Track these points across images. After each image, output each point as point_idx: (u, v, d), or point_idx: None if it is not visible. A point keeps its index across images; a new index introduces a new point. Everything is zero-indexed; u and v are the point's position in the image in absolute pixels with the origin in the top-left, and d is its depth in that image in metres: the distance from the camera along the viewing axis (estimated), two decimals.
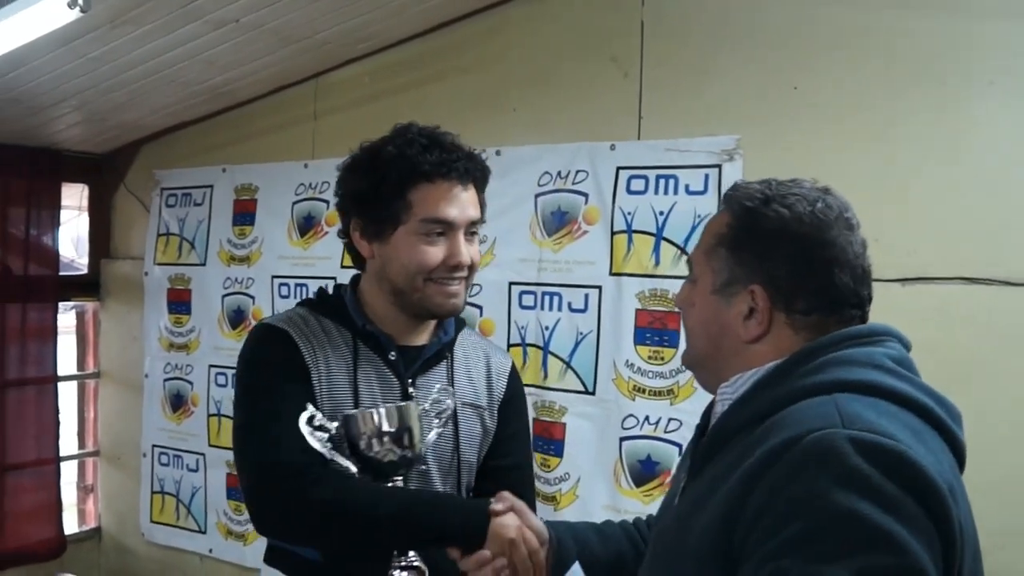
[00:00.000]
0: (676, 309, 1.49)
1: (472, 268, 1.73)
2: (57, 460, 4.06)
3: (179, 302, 3.93)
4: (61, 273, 4.07)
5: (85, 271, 4.30)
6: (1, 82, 3.08)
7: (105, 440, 4.31)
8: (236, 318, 3.74)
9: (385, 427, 1.59)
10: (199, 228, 3.86)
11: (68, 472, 4.23)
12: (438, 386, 1.74)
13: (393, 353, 1.75)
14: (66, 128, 3.76)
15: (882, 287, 2.45)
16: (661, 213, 2.79)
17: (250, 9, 2.77)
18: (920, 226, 2.49)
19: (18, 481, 3.92)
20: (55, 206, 3.98)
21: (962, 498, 1.17)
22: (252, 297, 3.68)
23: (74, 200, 4.22)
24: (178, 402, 3.95)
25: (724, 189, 2.65)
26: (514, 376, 1.92)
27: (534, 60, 3.08)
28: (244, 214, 3.72)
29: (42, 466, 4.00)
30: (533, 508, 1.74)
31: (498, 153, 3.12)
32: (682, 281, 1.44)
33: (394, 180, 1.68)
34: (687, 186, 2.77)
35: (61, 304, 4.10)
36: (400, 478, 1.64)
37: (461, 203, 1.69)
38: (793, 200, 1.29)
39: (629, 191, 2.85)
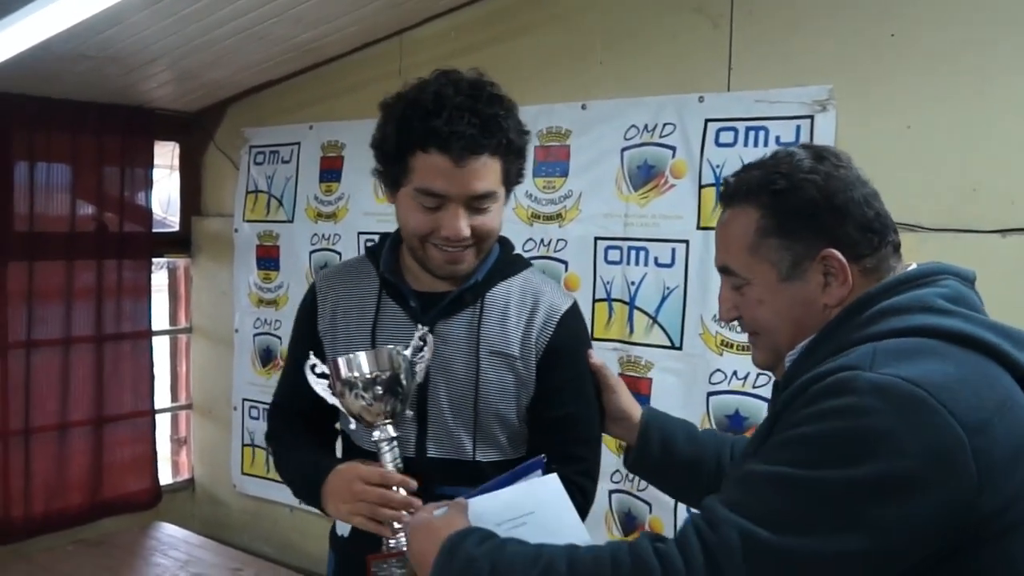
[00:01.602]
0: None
1: (480, 237, 1.65)
2: (152, 413, 4.20)
3: (268, 258, 4.01)
4: (154, 230, 4.18)
5: (177, 228, 4.41)
6: (98, 40, 3.15)
7: (197, 394, 4.44)
8: None
9: (352, 373, 1.60)
10: (287, 185, 3.92)
11: (162, 425, 4.37)
12: (418, 331, 1.68)
13: (413, 300, 1.73)
14: (158, 87, 3.83)
15: (980, 238, 2.43)
16: None
17: None
18: (1020, 176, 2.40)
19: (115, 433, 4.07)
20: (148, 164, 4.08)
21: None
22: (339, 253, 3.74)
23: (165, 159, 4.32)
24: (268, 356, 4.04)
25: (816, 140, 2.62)
26: (564, 324, 1.74)
27: (621, 12, 3.04)
28: (331, 171, 3.77)
29: (138, 418, 4.15)
30: (580, 460, 1.72)
31: (584, 107, 3.11)
32: None
33: (394, 143, 1.64)
34: (778, 137, 2.71)
35: (154, 261, 4.21)
36: (387, 425, 1.62)
37: (460, 176, 1.58)
38: (800, 166, 1.32)
39: (718, 144, 2.81)
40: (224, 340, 4.23)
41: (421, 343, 1.68)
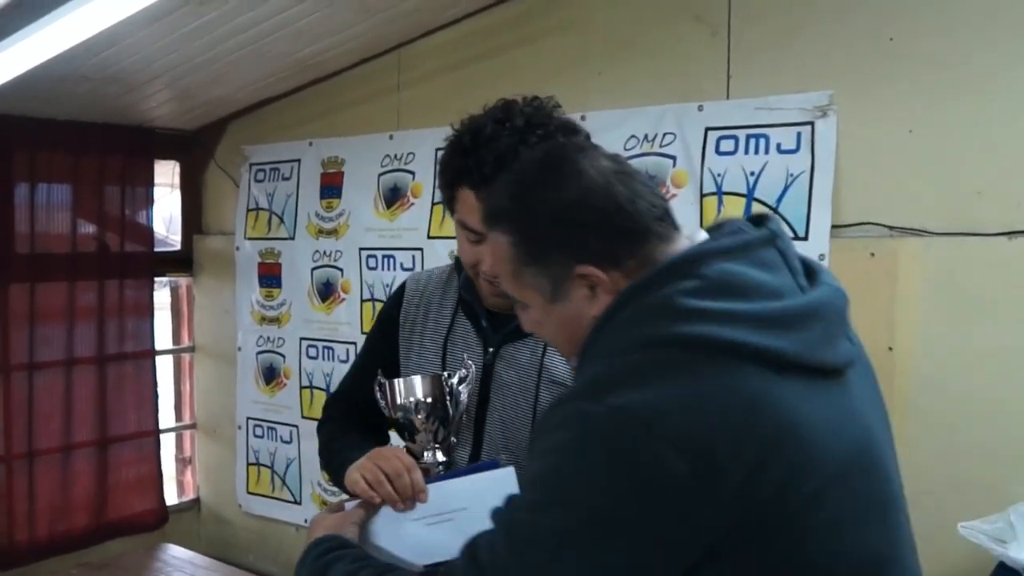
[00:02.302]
0: None
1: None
2: (157, 432, 4.18)
3: (269, 276, 4.00)
4: (156, 249, 4.17)
5: (178, 247, 4.40)
6: (98, 60, 3.15)
7: (201, 413, 4.42)
8: (325, 291, 3.79)
9: (404, 397, 1.64)
10: (287, 202, 3.92)
11: (167, 444, 4.35)
12: (464, 360, 1.70)
13: (484, 319, 1.74)
14: (158, 106, 3.84)
15: (985, 242, 2.42)
16: (752, 173, 2.74)
17: None
18: None
19: (120, 453, 4.05)
20: (148, 183, 4.07)
21: (794, 444, 1.09)
22: (340, 269, 3.73)
23: (166, 177, 4.32)
24: (271, 375, 4.02)
25: (817, 146, 2.62)
26: None
27: (619, 22, 3.04)
28: (331, 187, 3.77)
29: (142, 438, 4.13)
30: None
31: (583, 118, 3.08)
32: None
33: (445, 177, 1.66)
34: (779, 145, 2.71)
35: (156, 280, 4.20)
36: (436, 449, 1.65)
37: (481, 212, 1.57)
38: (533, 180, 1.26)
39: (718, 152, 2.80)
40: (227, 358, 4.22)
41: (466, 372, 1.68)
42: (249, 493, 4.16)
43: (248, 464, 4.15)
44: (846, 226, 2.62)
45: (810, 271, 1.25)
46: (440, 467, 1.65)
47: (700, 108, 2.84)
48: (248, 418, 4.12)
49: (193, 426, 4.45)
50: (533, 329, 1.34)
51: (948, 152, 2.49)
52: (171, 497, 4.38)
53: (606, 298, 1.21)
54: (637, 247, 1.21)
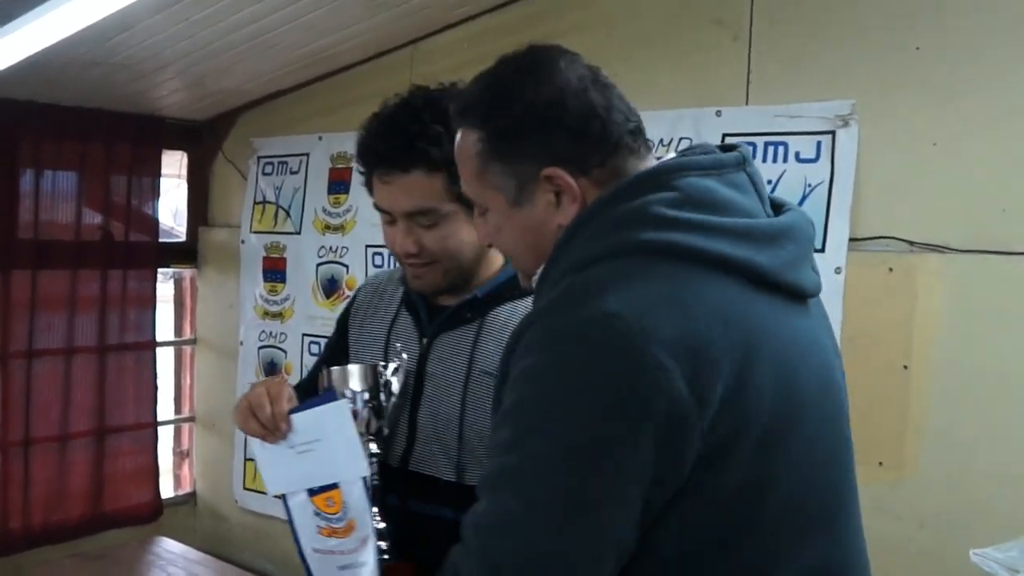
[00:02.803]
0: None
1: (434, 254, 1.62)
2: (155, 425, 4.14)
3: (274, 270, 3.95)
4: (161, 240, 4.13)
5: (183, 238, 4.36)
6: (108, 45, 3.11)
7: (201, 406, 4.38)
8: (330, 287, 3.74)
9: (337, 385, 1.62)
10: (295, 196, 3.87)
11: (164, 437, 4.30)
12: (398, 346, 1.71)
13: (423, 311, 1.74)
14: (168, 95, 3.79)
15: (1010, 260, 2.35)
16: (769, 182, 2.67)
17: None
18: None
19: (117, 445, 4.01)
20: (155, 173, 4.03)
21: (767, 360, 1.08)
22: (346, 266, 3.68)
23: (173, 168, 4.27)
24: (272, 370, 3.97)
25: (838, 156, 2.56)
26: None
27: (638, 23, 2.98)
28: (339, 183, 3.71)
29: (140, 430, 4.08)
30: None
31: None
32: None
33: (360, 163, 1.69)
34: (797, 153, 2.65)
35: (160, 271, 4.16)
36: (369, 441, 1.63)
37: (390, 193, 1.60)
38: (512, 80, 1.22)
39: None
40: (229, 352, 4.17)
41: (398, 363, 1.67)
42: (246, 489, 4.11)
43: (246, 459, 4.10)
44: (865, 239, 2.56)
45: (775, 204, 1.25)
46: (374, 458, 1.63)
47: (718, 113, 2.78)
48: None
49: (192, 419, 4.40)
50: (491, 237, 1.30)
51: (973, 167, 2.42)
52: (167, 490, 4.33)
53: (572, 207, 1.19)
54: (607, 157, 1.19)
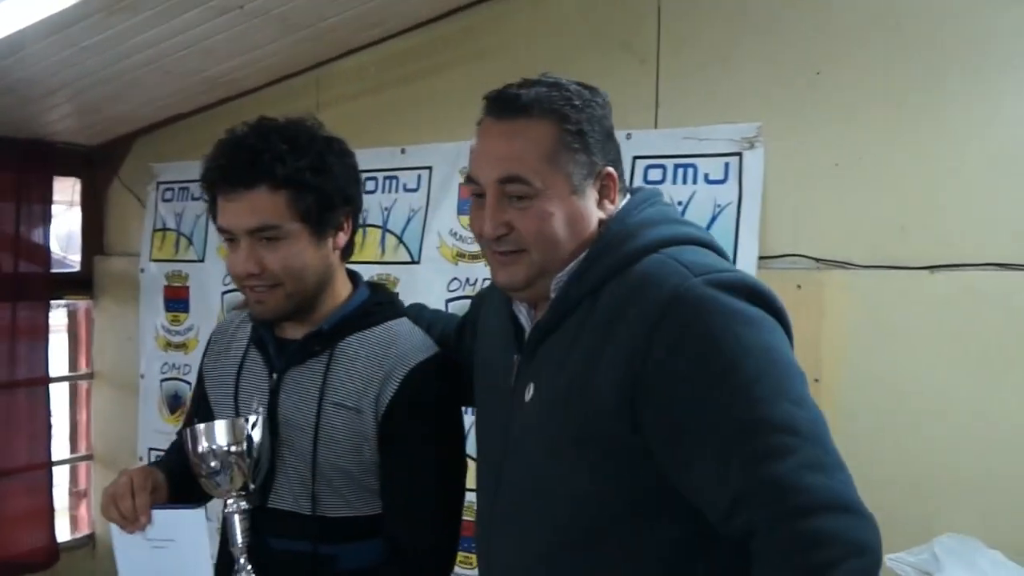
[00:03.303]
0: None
1: (276, 275, 1.61)
2: (49, 464, 3.96)
3: (177, 299, 3.83)
4: (52, 270, 3.97)
5: (77, 268, 4.19)
6: None
7: (99, 443, 4.21)
8: None
9: (202, 444, 1.60)
10: (197, 223, 3.77)
11: (60, 477, 4.12)
12: (254, 406, 1.68)
13: (271, 347, 1.73)
14: (58, 119, 3.66)
15: (910, 275, 2.44)
16: (680, 203, 2.72)
17: None
18: (948, 213, 2.43)
19: (8, 487, 3.82)
20: (46, 200, 3.88)
21: None
22: None
23: (65, 195, 4.11)
24: (176, 403, 3.85)
25: (745, 177, 2.62)
26: (411, 378, 1.65)
27: (546, 47, 3.00)
28: None
29: (33, 471, 3.90)
30: (399, 552, 1.66)
31: None
32: None
33: (205, 188, 1.68)
34: (706, 175, 2.70)
35: (52, 303, 4.00)
36: (240, 499, 1.63)
37: (233, 210, 1.60)
38: (581, 92, 1.42)
39: (647, 181, 2.77)
40: (129, 386, 4.02)
41: (255, 417, 1.64)
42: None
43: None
44: (773, 257, 2.62)
45: None
46: (245, 514, 1.62)
47: (628, 136, 2.81)
48: (150, 448, 3.92)
49: (89, 457, 4.23)
50: (539, 223, 1.37)
51: (873, 186, 2.51)
52: (63, 533, 4.14)
53: (611, 207, 1.42)
54: (620, 169, 1.46)
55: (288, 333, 1.73)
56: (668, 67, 2.78)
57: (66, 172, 4.04)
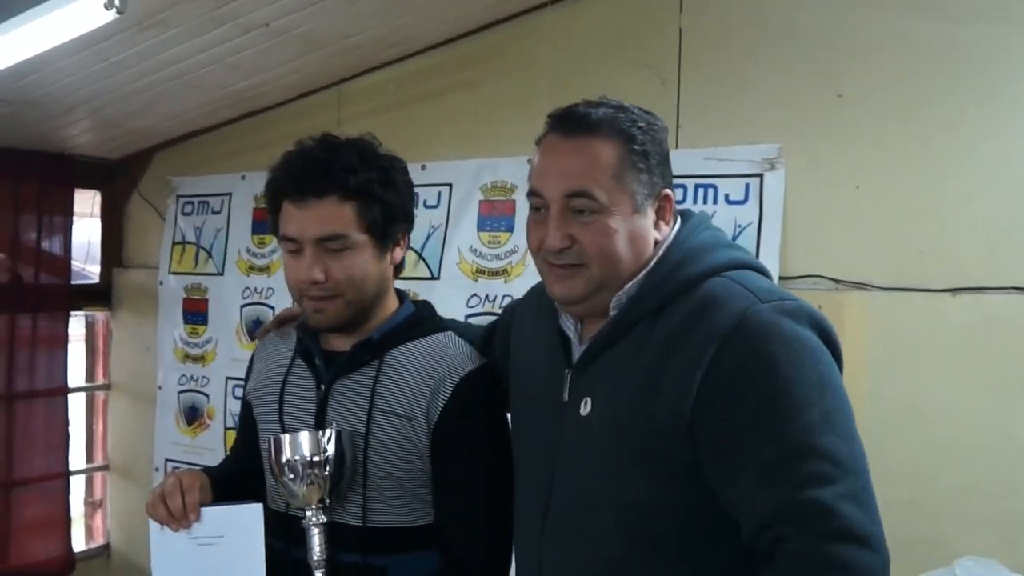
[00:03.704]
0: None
1: (339, 284, 1.64)
2: (67, 474, 3.98)
3: (195, 312, 3.86)
4: (72, 282, 3.99)
5: (97, 280, 4.22)
6: (21, 85, 3.01)
7: (115, 454, 4.23)
8: (254, 329, 3.67)
9: (290, 455, 1.63)
10: (217, 236, 3.80)
11: (75, 487, 4.14)
12: (332, 425, 1.69)
13: (318, 358, 1.74)
14: (80, 133, 3.69)
15: (931, 297, 2.45)
16: None
17: (282, 13, 2.72)
18: (968, 235, 2.45)
19: (25, 496, 3.84)
20: (67, 213, 3.91)
21: None
22: (272, 307, 3.61)
23: (86, 207, 4.14)
24: (193, 415, 3.87)
25: (766, 198, 2.64)
26: (461, 389, 1.68)
27: (567, 67, 3.03)
28: (264, 222, 3.64)
29: (51, 481, 3.92)
30: (457, 561, 1.68)
31: (529, 162, 3.05)
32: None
33: (268, 198, 1.72)
34: (727, 195, 2.72)
35: (72, 314, 4.02)
36: (319, 510, 1.64)
37: (303, 218, 1.63)
38: (645, 115, 1.47)
39: None
40: (146, 397, 4.04)
41: (331, 433, 1.66)
42: None
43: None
44: (793, 278, 2.64)
45: None
46: (323, 527, 1.63)
47: None
48: (167, 460, 3.95)
49: (106, 468, 4.25)
50: (603, 239, 1.41)
51: (893, 208, 2.53)
52: (79, 543, 4.16)
53: (666, 229, 1.47)
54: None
55: (335, 345, 1.75)
56: (689, 88, 2.81)
57: (86, 185, 4.07)
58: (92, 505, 4.31)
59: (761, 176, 2.67)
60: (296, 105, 3.57)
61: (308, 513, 1.63)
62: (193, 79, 3.18)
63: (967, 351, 2.43)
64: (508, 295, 3.07)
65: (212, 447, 3.78)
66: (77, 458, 4.19)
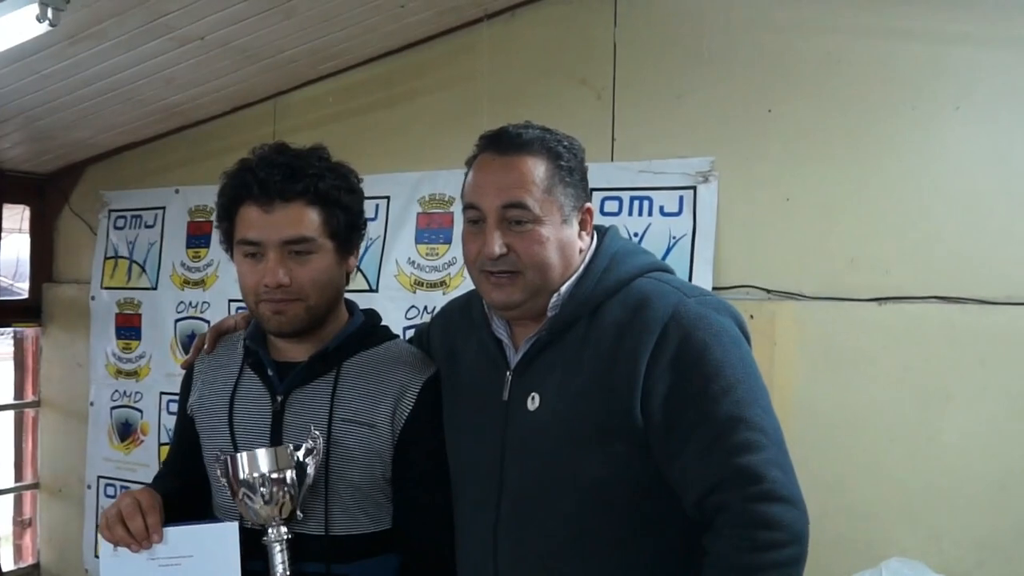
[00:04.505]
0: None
1: (303, 288, 1.65)
2: None
3: (128, 327, 3.80)
4: (0, 298, 3.90)
5: (26, 295, 4.13)
6: None
7: (45, 472, 4.13)
8: (189, 343, 3.62)
9: (249, 472, 1.59)
10: (150, 251, 3.74)
11: (4, 506, 4.04)
12: (309, 432, 1.67)
13: (270, 369, 1.74)
14: (10, 147, 3.61)
15: (858, 306, 2.53)
16: (635, 235, 2.79)
17: (218, 26, 2.71)
18: (894, 246, 2.53)
19: None
20: None
21: None
22: (207, 321, 3.57)
23: (14, 222, 4.05)
24: (126, 431, 3.80)
25: (699, 210, 2.69)
26: (424, 396, 1.72)
27: (505, 81, 3.06)
28: (199, 236, 3.62)
29: None
30: (433, 550, 1.70)
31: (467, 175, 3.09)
32: None
33: (223, 204, 1.71)
34: (661, 207, 2.77)
35: (0, 330, 3.92)
36: (280, 526, 1.62)
37: (269, 222, 1.63)
38: (560, 135, 1.62)
39: (603, 213, 2.84)
40: (77, 414, 3.96)
41: (312, 444, 1.65)
42: (97, 557, 3.90)
43: (98, 526, 3.89)
44: (727, 288, 2.69)
45: None
46: (286, 542, 1.61)
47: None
48: (99, 476, 3.87)
49: (36, 486, 4.14)
50: (536, 247, 1.54)
51: (823, 220, 2.60)
52: (7, 562, 4.06)
53: (587, 238, 1.62)
54: None
55: (287, 355, 1.74)
56: (624, 101, 2.86)
57: (15, 200, 3.99)
58: (21, 524, 4.21)
59: (695, 188, 2.73)
60: (232, 118, 3.55)
61: (270, 531, 1.61)
62: (127, 92, 3.15)
63: (893, 359, 2.51)
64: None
65: (146, 462, 3.72)
66: (5, 476, 4.09)
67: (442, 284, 3.11)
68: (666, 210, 2.77)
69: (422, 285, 3.15)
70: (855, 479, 2.53)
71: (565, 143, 1.60)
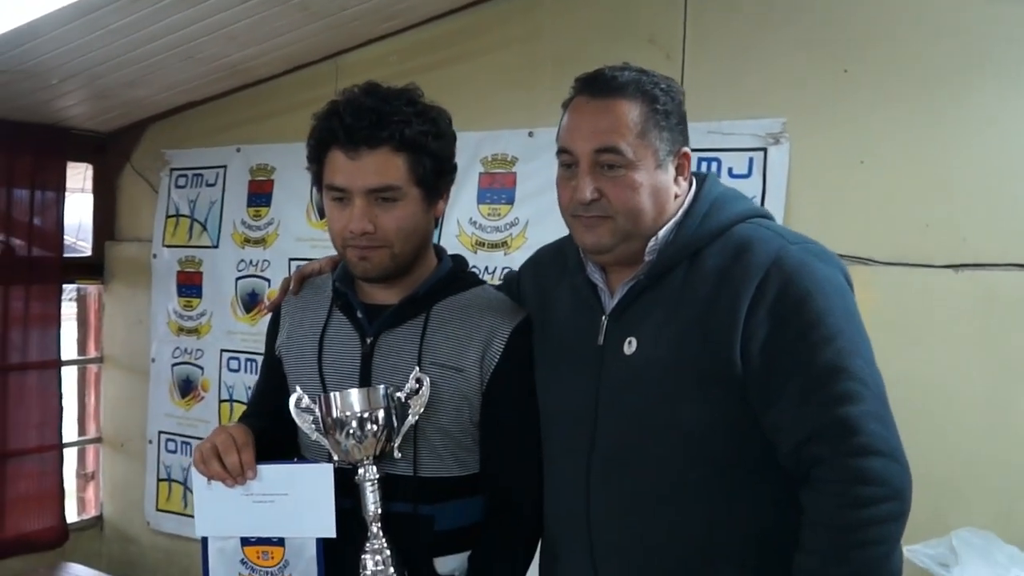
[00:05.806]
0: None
1: (388, 235, 1.64)
2: (60, 447, 3.96)
3: (189, 285, 3.84)
4: (65, 255, 3.96)
5: (89, 253, 4.18)
6: (14, 54, 2.97)
7: (108, 427, 4.21)
8: (250, 301, 3.66)
9: (342, 411, 1.60)
10: (211, 209, 3.77)
11: (68, 459, 4.12)
12: (413, 373, 1.66)
13: (360, 311, 1.74)
14: (74, 104, 3.64)
15: (933, 273, 2.47)
16: None
17: None
18: (971, 212, 2.46)
19: (19, 468, 3.82)
20: (60, 186, 3.86)
21: None
22: (268, 280, 3.60)
23: (77, 181, 4.10)
24: (187, 387, 3.86)
25: (769, 172, 2.64)
26: (514, 340, 1.71)
27: (569, 40, 3.01)
28: (260, 195, 3.63)
29: (44, 453, 3.90)
30: (511, 508, 1.71)
31: (531, 135, 3.06)
32: None
33: (312, 146, 1.69)
34: (730, 169, 2.72)
35: (64, 287, 3.98)
36: (371, 465, 1.63)
37: (355, 169, 1.62)
38: (659, 78, 1.57)
39: None
40: (139, 370, 4.03)
41: (417, 384, 1.64)
42: (159, 510, 3.98)
43: (159, 480, 3.97)
44: None
45: None
46: (375, 483, 1.62)
47: None
48: (160, 432, 3.94)
49: (98, 440, 4.23)
50: (628, 192, 1.51)
51: (898, 184, 2.54)
52: (72, 514, 4.15)
53: (685, 184, 1.58)
54: None
55: (376, 298, 1.74)
56: (694, 62, 2.80)
57: (79, 158, 4.03)
58: (84, 477, 4.30)
59: (765, 150, 2.68)
60: (293, 77, 3.54)
61: (361, 470, 1.62)
62: (188, 49, 3.14)
63: (969, 327, 2.45)
64: (507, 267, 3.06)
65: (206, 419, 3.77)
66: (70, 431, 4.17)
67: (503, 245, 3.09)
68: (735, 172, 2.72)
69: (483, 245, 3.13)
70: (925, 448, 2.45)
71: (663, 85, 1.55)
